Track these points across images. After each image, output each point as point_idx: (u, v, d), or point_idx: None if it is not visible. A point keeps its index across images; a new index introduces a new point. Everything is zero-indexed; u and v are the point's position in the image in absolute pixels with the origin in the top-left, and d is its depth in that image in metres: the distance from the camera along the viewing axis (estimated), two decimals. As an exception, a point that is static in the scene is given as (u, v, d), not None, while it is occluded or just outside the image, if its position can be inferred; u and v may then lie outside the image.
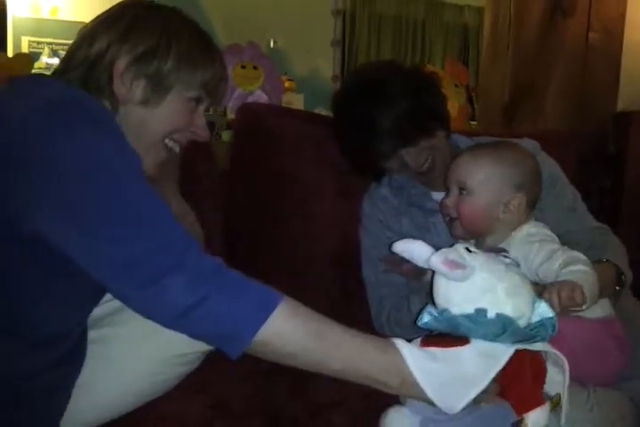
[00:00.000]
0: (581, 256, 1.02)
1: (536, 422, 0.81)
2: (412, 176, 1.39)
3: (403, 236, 1.39)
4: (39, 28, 4.32)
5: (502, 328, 0.80)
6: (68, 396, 0.94)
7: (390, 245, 0.89)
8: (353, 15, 5.44)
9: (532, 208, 1.17)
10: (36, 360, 0.89)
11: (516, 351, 0.81)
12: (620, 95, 2.20)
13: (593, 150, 2.14)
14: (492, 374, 0.78)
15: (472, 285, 0.81)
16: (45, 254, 0.80)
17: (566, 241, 1.19)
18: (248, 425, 1.04)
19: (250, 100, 2.09)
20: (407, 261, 0.87)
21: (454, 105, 2.65)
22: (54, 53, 4.26)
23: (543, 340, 0.84)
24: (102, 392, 0.99)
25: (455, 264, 0.81)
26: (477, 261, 0.83)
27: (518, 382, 0.83)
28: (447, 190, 1.18)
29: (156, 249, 0.77)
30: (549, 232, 1.11)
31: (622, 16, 2.16)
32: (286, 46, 5.20)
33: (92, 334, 1.00)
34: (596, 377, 1.05)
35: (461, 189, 1.13)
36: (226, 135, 2.19)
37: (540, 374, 0.87)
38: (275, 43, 4.94)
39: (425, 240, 1.34)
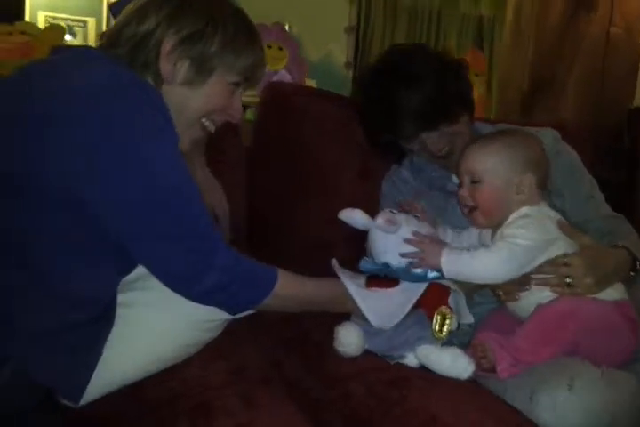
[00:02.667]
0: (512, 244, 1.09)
1: (440, 311, 1.09)
2: (431, 159, 1.41)
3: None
4: (56, 3, 4.31)
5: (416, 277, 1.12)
6: (99, 354, 0.97)
7: None
8: (368, 2, 5.41)
9: (543, 189, 1.20)
10: (65, 318, 0.92)
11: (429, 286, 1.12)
12: (637, 91, 2.21)
13: (608, 144, 2.15)
14: (412, 302, 1.09)
15: (400, 235, 1.10)
16: (87, 225, 0.88)
17: (584, 229, 1.23)
18: (265, 391, 1.06)
19: (274, 79, 2.11)
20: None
21: (474, 94, 2.65)
22: (69, 30, 4.25)
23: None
24: (129, 353, 1.01)
25: (390, 221, 1.09)
26: (401, 218, 1.11)
27: (427, 297, 1.10)
28: (460, 182, 1.21)
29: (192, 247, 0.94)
30: (548, 221, 1.14)
31: (644, 13, 2.16)
32: (300, 31, 5.17)
33: (120, 298, 1.03)
34: (608, 357, 1.08)
35: (473, 179, 1.17)
36: (249, 114, 2.20)
37: (444, 296, 1.14)
38: (290, 28, 4.94)
39: (444, 220, 1.40)
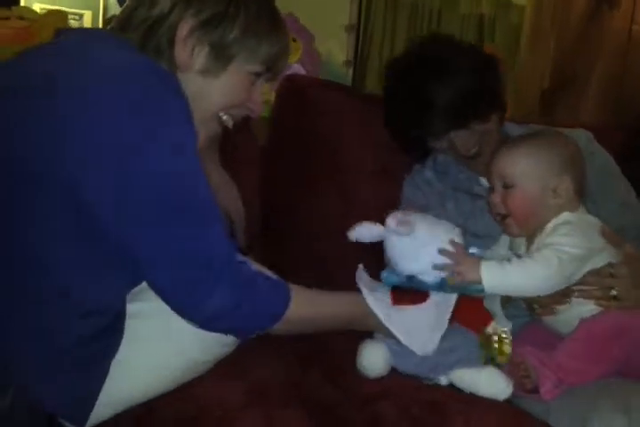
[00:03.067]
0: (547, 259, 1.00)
1: (493, 329, 1.01)
2: (458, 159, 1.32)
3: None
4: (51, -6, 4.19)
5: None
6: (105, 371, 0.87)
7: None
8: (369, 0, 5.33)
9: (580, 195, 1.12)
10: (73, 332, 0.84)
11: (459, 296, 1.02)
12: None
13: (628, 144, 2.07)
14: (447, 318, 0.99)
15: (419, 234, 1.00)
16: (92, 229, 0.80)
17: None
18: (288, 414, 0.97)
19: (287, 73, 2.01)
20: None
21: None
22: (64, 22, 4.14)
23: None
24: (138, 369, 0.93)
25: (404, 222, 0.98)
26: (416, 218, 1.01)
27: (467, 313, 1.02)
28: (491, 188, 1.12)
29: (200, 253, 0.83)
30: (591, 228, 1.06)
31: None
32: (301, 29, 5.08)
33: (128, 308, 0.93)
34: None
35: (505, 184, 1.08)
36: (265, 111, 2.07)
37: (480, 308, 1.06)
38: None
39: (469, 226, 1.31)
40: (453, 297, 1.02)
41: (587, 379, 0.97)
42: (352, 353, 1.04)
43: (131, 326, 0.91)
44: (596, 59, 2.03)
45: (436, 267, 1.00)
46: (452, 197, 1.34)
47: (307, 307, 0.94)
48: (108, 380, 0.87)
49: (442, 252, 1.00)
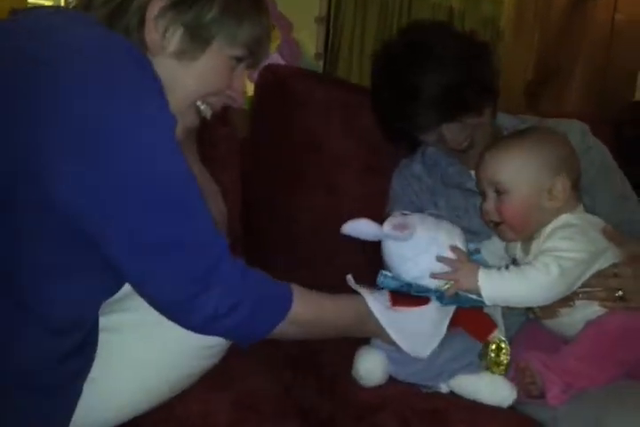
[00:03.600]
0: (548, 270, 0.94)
1: (496, 336, 0.97)
2: (448, 152, 1.26)
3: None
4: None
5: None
6: (78, 393, 0.79)
7: None
8: (339, -8, 5.23)
9: (577, 191, 1.06)
10: (47, 350, 0.75)
11: None
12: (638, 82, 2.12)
13: (609, 136, 2.05)
14: (447, 323, 0.95)
15: (418, 239, 0.94)
16: (75, 239, 0.72)
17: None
18: (280, 427, 0.90)
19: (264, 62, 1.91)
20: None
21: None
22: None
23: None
24: (114, 388, 0.84)
25: (402, 226, 0.93)
26: (414, 220, 0.96)
27: (471, 319, 0.98)
28: (482, 195, 1.06)
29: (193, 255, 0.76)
30: (593, 229, 1.00)
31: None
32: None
33: (102, 321, 0.84)
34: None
35: (498, 190, 1.02)
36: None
37: (483, 315, 1.01)
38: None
39: (463, 223, 1.25)
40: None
41: (596, 383, 0.92)
42: (347, 361, 0.98)
43: (105, 340, 0.82)
44: (580, 50, 2.00)
45: (433, 275, 0.94)
46: (443, 194, 1.28)
47: (310, 308, 0.87)
48: (81, 401, 0.79)
49: (440, 259, 0.94)
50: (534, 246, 1.01)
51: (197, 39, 0.81)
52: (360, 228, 0.95)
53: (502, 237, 1.06)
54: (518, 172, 1.00)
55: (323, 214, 1.27)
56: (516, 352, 1.01)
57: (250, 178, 1.30)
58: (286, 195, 1.29)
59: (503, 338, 0.96)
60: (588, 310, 0.98)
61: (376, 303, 0.93)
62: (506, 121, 1.31)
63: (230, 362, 0.95)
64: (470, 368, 0.95)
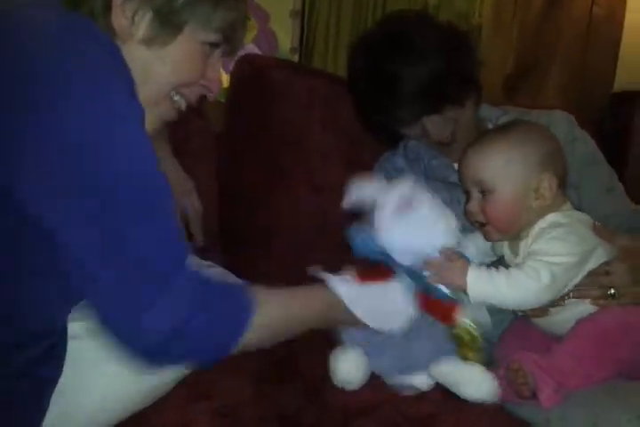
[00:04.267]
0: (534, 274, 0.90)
1: (466, 323, 0.92)
2: (431, 146, 1.22)
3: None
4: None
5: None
6: (43, 411, 0.73)
7: None
8: (312, -15, 5.17)
9: (564, 188, 1.03)
10: (14, 363, 0.69)
11: None
12: (618, 74, 2.12)
13: (590, 131, 2.05)
14: (412, 303, 0.90)
15: (413, 221, 0.88)
16: (37, 241, 0.66)
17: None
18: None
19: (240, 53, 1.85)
20: None
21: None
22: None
23: None
24: (83, 399, 0.79)
25: (406, 204, 0.88)
26: (422, 201, 0.91)
27: (431, 301, 0.92)
28: (466, 194, 1.02)
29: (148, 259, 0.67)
30: (583, 227, 0.97)
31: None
32: (243, 15, 4.91)
33: (71, 329, 0.79)
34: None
35: (482, 190, 0.98)
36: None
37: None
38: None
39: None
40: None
41: (590, 382, 0.89)
42: (326, 363, 0.93)
43: (73, 348, 0.77)
44: (558, 43, 1.98)
45: (423, 264, 0.90)
46: (426, 187, 1.24)
47: (276, 308, 0.81)
48: (49, 413, 0.73)
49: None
50: (522, 246, 0.97)
51: (168, 24, 0.76)
52: (365, 188, 0.90)
53: (488, 238, 1.02)
54: (502, 170, 0.96)
55: (302, 209, 1.23)
56: (506, 352, 0.98)
57: (226, 173, 1.25)
58: (265, 190, 1.24)
59: (472, 324, 0.92)
60: (579, 308, 0.95)
61: (339, 283, 0.88)
62: (489, 112, 1.28)
63: (207, 371, 0.90)
64: (445, 353, 0.91)
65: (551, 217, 0.96)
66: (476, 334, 0.92)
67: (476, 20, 2.61)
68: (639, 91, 1.87)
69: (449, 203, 1.22)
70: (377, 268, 0.92)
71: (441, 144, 1.20)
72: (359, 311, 0.86)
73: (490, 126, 1.27)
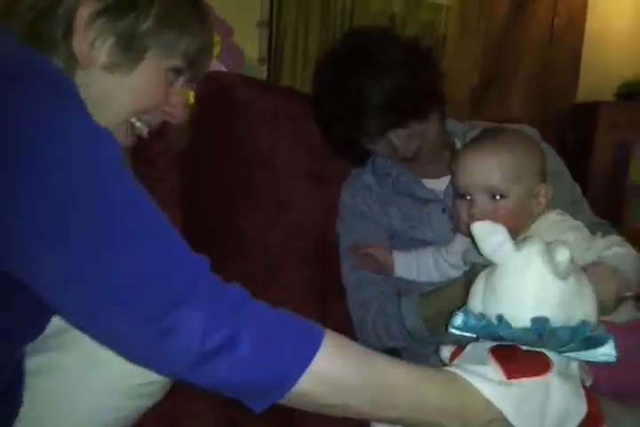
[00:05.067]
0: (621, 240, 0.91)
1: None
2: (398, 161, 1.23)
3: (390, 229, 1.24)
4: None
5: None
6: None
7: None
8: (280, -5, 5.18)
9: None
10: None
11: None
12: (580, 84, 2.16)
13: (553, 141, 2.09)
14: (583, 397, 0.67)
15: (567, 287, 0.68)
16: None
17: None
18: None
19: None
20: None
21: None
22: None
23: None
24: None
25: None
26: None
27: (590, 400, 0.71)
28: (462, 196, 1.00)
29: (157, 275, 0.58)
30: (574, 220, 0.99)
31: (585, 5, 2.12)
32: (209, 25, 4.89)
33: (28, 364, 0.76)
34: (631, 389, 0.94)
35: (494, 193, 0.97)
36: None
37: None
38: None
39: (416, 233, 1.21)
40: (576, 365, 0.72)
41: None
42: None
43: (30, 385, 0.74)
44: (522, 53, 2.02)
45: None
46: (394, 203, 1.25)
47: (353, 371, 0.61)
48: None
49: None
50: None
51: (131, 50, 0.74)
52: (495, 236, 0.70)
53: None
54: (515, 177, 0.97)
55: (269, 228, 1.21)
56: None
57: (190, 192, 1.23)
58: (230, 208, 1.22)
59: None
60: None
61: (482, 381, 0.65)
62: (456, 127, 1.29)
63: (174, 399, 0.88)
64: None
65: (552, 216, 0.98)
66: None
67: (442, 30, 2.64)
68: (600, 101, 1.90)
69: (418, 218, 1.23)
70: (518, 352, 0.69)
71: (406, 160, 1.20)
72: (518, 423, 0.64)
73: (457, 141, 1.27)
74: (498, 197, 0.96)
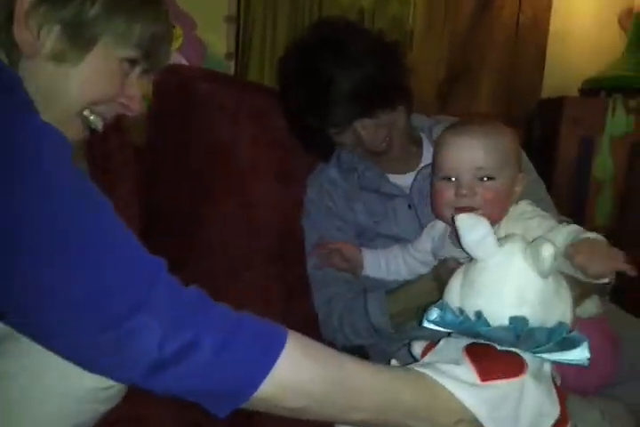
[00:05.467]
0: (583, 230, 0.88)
1: None
2: (365, 155, 1.21)
3: (355, 225, 1.22)
4: None
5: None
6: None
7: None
8: (248, -10, 5.13)
9: None
10: None
11: None
12: (545, 81, 2.18)
13: (519, 136, 2.10)
14: (556, 398, 0.67)
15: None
16: None
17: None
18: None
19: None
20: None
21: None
22: None
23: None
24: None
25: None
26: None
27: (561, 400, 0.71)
28: (448, 179, 0.97)
29: (112, 283, 0.56)
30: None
31: (549, 2, 2.14)
32: (176, 20, 4.83)
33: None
34: (594, 383, 0.94)
35: (482, 176, 0.95)
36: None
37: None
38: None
39: (381, 229, 1.20)
40: (548, 366, 0.72)
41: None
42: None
43: None
44: (487, 50, 2.02)
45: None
46: (360, 198, 1.23)
47: (317, 373, 0.60)
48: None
49: None
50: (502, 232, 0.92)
51: (79, 39, 0.70)
52: (480, 229, 0.71)
53: None
54: (504, 158, 0.96)
55: (232, 226, 1.18)
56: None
57: (150, 190, 1.19)
58: (191, 206, 1.19)
59: None
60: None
61: (457, 384, 0.64)
62: (421, 122, 1.28)
63: (133, 403, 0.84)
64: None
65: (522, 205, 0.98)
66: None
67: (410, 25, 2.64)
68: (565, 97, 1.91)
69: (383, 213, 1.22)
70: (492, 352, 0.69)
71: (375, 153, 1.19)
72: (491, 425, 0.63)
73: (423, 136, 1.26)
74: (485, 179, 0.95)
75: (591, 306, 0.98)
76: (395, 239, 1.18)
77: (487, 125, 0.99)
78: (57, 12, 0.69)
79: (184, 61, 1.93)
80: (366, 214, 1.22)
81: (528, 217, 0.93)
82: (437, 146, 1.01)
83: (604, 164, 1.89)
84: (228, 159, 1.19)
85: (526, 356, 0.67)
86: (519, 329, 0.65)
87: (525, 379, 0.65)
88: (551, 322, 0.68)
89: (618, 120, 1.86)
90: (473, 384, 0.63)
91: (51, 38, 0.70)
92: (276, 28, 5.68)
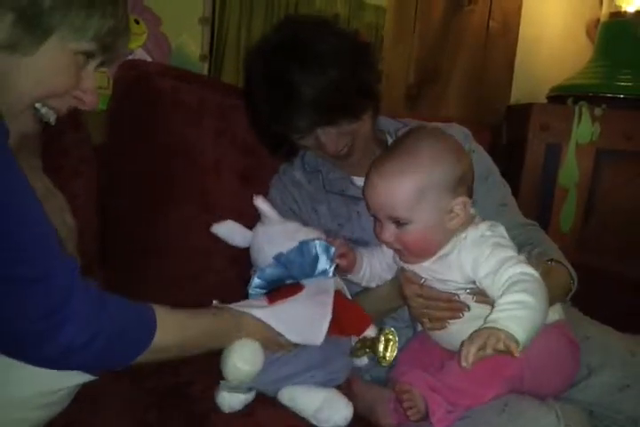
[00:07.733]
0: (532, 272, 0.87)
1: (380, 330, 0.96)
2: (327, 159, 1.19)
3: (319, 228, 1.20)
4: None
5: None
6: None
7: None
8: (223, -8, 5.11)
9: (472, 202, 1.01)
10: None
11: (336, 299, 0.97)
12: (514, 87, 2.19)
13: (487, 141, 2.11)
14: (330, 304, 0.94)
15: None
16: None
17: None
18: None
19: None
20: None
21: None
22: None
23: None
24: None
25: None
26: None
27: (346, 310, 0.99)
28: (375, 219, 0.97)
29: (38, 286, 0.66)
30: (505, 233, 0.95)
31: (519, 9, 2.16)
32: (149, 21, 4.77)
33: None
34: (553, 386, 0.94)
35: (397, 222, 0.92)
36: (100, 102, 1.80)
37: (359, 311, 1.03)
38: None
39: (345, 232, 1.18)
40: (330, 282, 0.99)
41: (481, 401, 0.88)
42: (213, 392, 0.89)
43: None
44: (457, 54, 2.03)
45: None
46: (324, 200, 1.21)
47: (173, 329, 0.81)
48: None
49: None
50: (453, 260, 0.92)
51: (33, 29, 0.68)
52: (233, 230, 1.05)
53: (405, 261, 0.98)
54: (416, 201, 0.90)
55: (193, 228, 1.15)
56: (402, 370, 0.96)
57: (108, 189, 1.15)
58: (151, 207, 1.15)
59: (392, 329, 0.95)
60: (476, 323, 0.93)
61: (254, 309, 0.91)
62: (388, 125, 1.26)
63: (86, 407, 0.82)
64: (309, 383, 0.95)
65: (482, 228, 0.93)
66: (393, 340, 0.94)
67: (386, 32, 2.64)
68: (533, 103, 1.92)
69: (347, 216, 1.20)
70: (282, 288, 0.98)
71: (337, 157, 1.16)
72: (278, 326, 0.90)
73: (389, 139, 1.24)
74: (403, 223, 0.92)
75: (553, 313, 0.97)
76: (358, 243, 1.17)
77: (407, 157, 0.92)
78: (11, 1, 0.67)
79: (148, 58, 1.89)
80: (330, 217, 1.20)
81: (484, 243, 0.90)
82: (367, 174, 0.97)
83: (570, 170, 1.90)
84: (189, 158, 1.16)
85: (306, 281, 0.98)
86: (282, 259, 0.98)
87: (302, 294, 0.94)
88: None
89: (583, 127, 1.88)
90: (264, 306, 0.92)
91: (4, 27, 0.67)
92: (251, 31, 5.65)
